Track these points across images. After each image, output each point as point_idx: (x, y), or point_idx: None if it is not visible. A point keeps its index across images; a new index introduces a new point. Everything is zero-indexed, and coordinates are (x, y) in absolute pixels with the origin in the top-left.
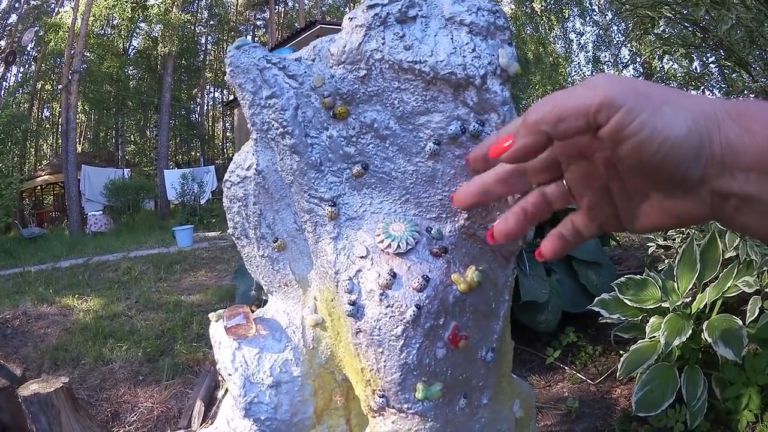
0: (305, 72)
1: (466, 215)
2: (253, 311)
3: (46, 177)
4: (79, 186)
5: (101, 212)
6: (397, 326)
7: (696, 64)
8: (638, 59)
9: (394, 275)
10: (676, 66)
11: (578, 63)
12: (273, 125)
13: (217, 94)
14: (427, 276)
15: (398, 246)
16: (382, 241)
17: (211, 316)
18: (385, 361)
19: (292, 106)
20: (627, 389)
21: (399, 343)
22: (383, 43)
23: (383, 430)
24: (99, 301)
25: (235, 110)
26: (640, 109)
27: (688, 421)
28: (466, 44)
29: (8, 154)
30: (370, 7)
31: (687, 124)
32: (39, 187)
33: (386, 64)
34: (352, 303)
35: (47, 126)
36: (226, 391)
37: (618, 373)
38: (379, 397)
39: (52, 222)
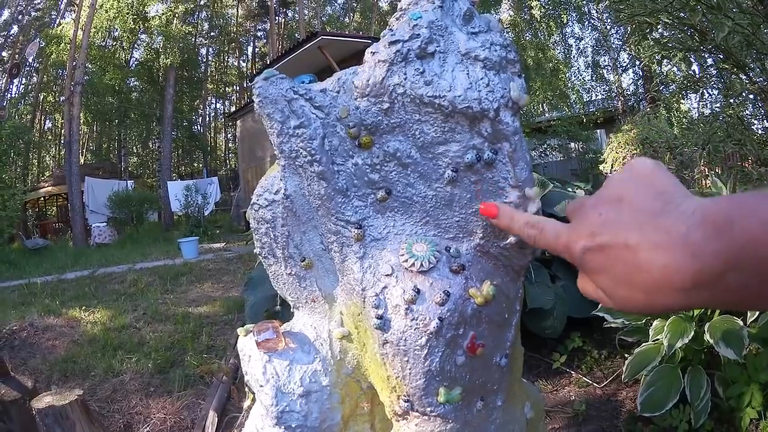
0: (331, 103)
1: (481, 235)
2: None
3: (50, 188)
4: (82, 197)
5: (105, 224)
6: (422, 337)
7: (695, 67)
8: (637, 63)
9: (417, 291)
10: (675, 69)
11: (578, 68)
12: (301, 153)
13: (218, 105)
14: (447, 291)
15: (421, 264)
16: (406, 260)
17: (240, 331)
18: (410, 369)
19: (320, 136)
20: (632, 391)
21: (423, 352)
22: (405, 78)
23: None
24: (106, 312)
25: (238, 121)
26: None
27: (692, 420)
28: (481, 79)
29: (11, 165)
30: (392, 43)
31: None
32: (42, 198)
33: (408, 98)
34: (380, 317)
35: (50, 137)
36: (252, 401)
37: (623, 376)
38: (404, 401)
39: (56, 233)
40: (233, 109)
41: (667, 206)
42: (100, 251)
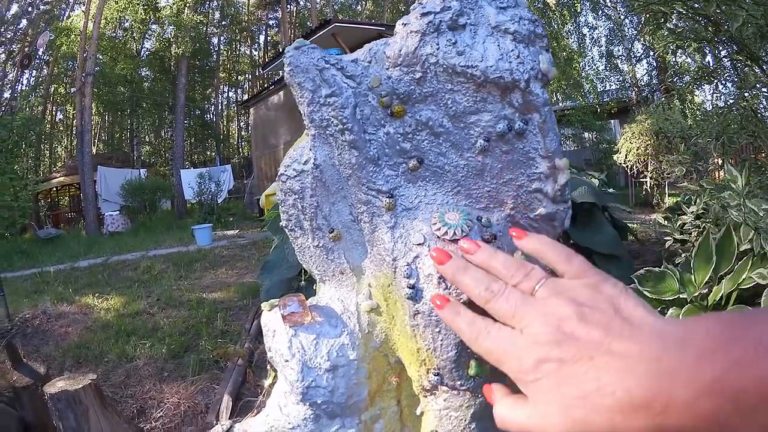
0: (362, 73)
1: (511, 205)
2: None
3: (62, 178)
4: (95, 187)
5: (118, 212)
6: None
7: (709, 58)
8: (651, 53)
9: None
10: (689, 60)
11: (591, 58)
12: (332, 122)
13: (231, 94)
14: None
15: (454, 233)
16: (439, 229)
17: (264, 305)
18: (441, 341)
19: (351, 105)
20: None
21: None
22: (438, 48)
23: (435, 407)
24: (120, 299)
25: (251, 109)
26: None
27: None
28: (512, 51)
29: (23, 157)
30: (424, 14)
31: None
32: (54, 189)
33: (440, 68)
34: (411, 287)
35: (61, 128)
36: (274, 379)
37: None
38: (434, 375)
39: (68, 223)
40: (246, 97)
41: (638, 324)
42: (113, 239)
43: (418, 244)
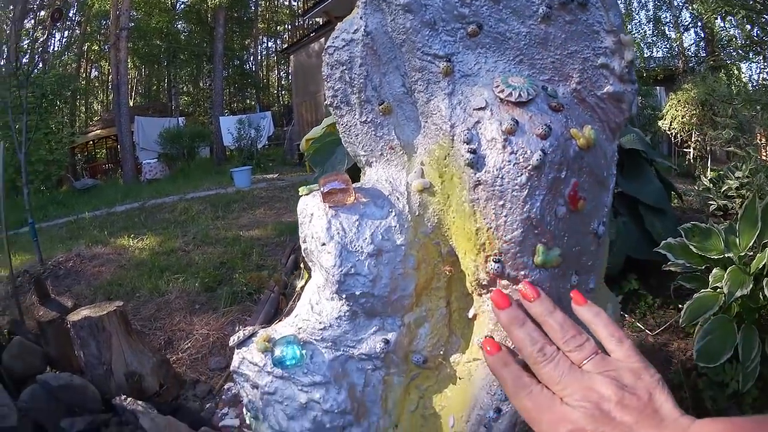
0: None
1: (578, 79)
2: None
3: (98, 131)
4: (132, 137)
5: (156, 160)
6: (521, 174)
7: (756, 29)
8: (699, 23)
9: (516, 123)
10: (736, 33)
11: (639, 21)
12: None
13: (270, 44)
14: (549, 125)
15: (519, 95)
16: (502, 91)
17: (302, 189)
18: (505, 216)
19: None
20: (684, 344)
21: (522, 194)
22: None
23: (492, 308)
24: (155, 239)
25: (291, 56)
26: None
27: (740, 384)
28: None
29: (57, 113)
30: None
31: None
32: (91, 142)
33: None
34: (472, 151)
35: (96, 84)
36: (307, 281)
37: (681, 320)
38: (494, 262)
39: (105, 174)
40: (285, 47)
41: (665, 416)
42: (150, 186)
43: (479, 108)
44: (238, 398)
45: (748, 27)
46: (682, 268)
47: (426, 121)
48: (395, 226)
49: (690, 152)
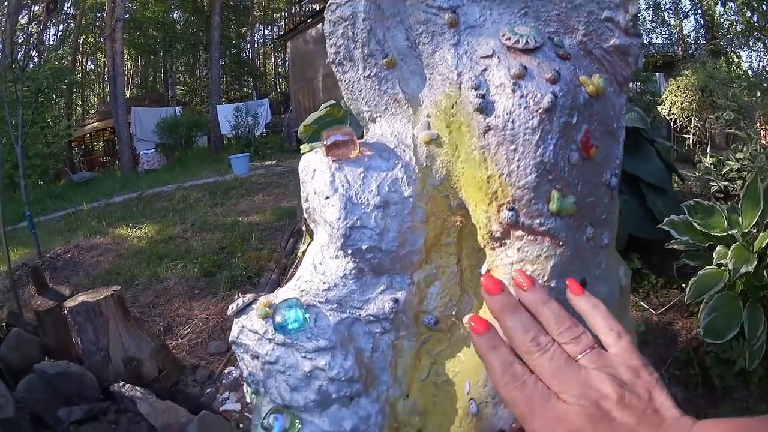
0: None
1: (583, 32)
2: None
3: (95, 124)
4: (129, 128)
5: (153, 150)
6: (533, 117)
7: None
8: (699, 10)
9: (525, 68)
10: (735, 19)
11: (638, 7)
12: None
13: (266, 32)
14: (558, 70)
15: (526, 42)
16: (508, 39)
17: (303, 147)
18: (518, 161)
19: None
20: (689, 322)
21: (535, 137)
22: None
23: (506, 260)
24: (153, 227)
25: (288, 43)
26: None
27: (746, 362)
28: None
29: (54, 107)
30: None
31: None
32: (88, 135)
33: None
34: (481, 96)
35: (92, 77)
36: (309, 244)
37: (686, 297)
38: (508, 210)
39: (103, 166)
40: (282, 33)
41: (666, 417)
42: (148, 176)
43: (486, 56)
44: (239, 382)
45: (748, 13)
46: (686, 246)
47: (431, 73)
48: (402, 178)
49: (689, 138)
